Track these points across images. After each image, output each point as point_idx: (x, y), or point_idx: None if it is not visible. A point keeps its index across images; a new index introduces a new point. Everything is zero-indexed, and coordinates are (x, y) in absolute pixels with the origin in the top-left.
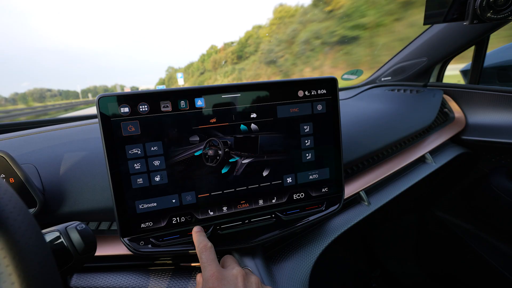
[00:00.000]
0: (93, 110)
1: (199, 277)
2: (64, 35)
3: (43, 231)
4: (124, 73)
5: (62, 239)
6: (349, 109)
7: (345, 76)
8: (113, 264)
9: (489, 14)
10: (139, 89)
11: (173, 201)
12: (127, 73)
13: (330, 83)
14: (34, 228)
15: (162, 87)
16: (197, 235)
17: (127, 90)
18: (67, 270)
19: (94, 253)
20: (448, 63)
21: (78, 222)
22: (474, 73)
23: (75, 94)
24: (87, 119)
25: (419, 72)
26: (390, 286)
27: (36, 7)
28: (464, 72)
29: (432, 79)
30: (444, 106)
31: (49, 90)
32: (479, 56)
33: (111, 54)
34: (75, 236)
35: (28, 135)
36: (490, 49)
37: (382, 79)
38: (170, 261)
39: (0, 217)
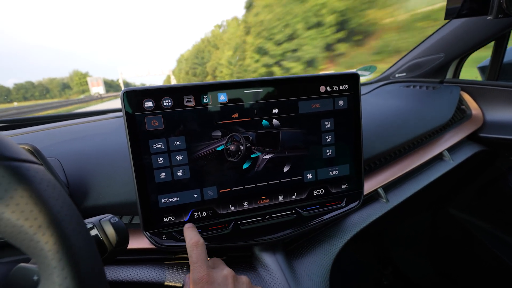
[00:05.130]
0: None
1: (187, 278)
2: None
3: None
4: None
5: (97, 232)
6: (364, 105)
7: (358, 73)
8: (135, 258)
9: None
10: (121, 80)
11: (195, 195)
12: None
13: (352, 79)
14: (81, 225)
15: None
16: (189, 230)
17: (95, 81)
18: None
19: (127, 246)
20: (465, 59)
21: (111, 215)
22: (493, 69)
23: (4, 91)
24: (108, 113)
25: (436, 68)
26: (402, 284)
27: None
28: (481, 68)
29: (449, 75)
30: (461, 103)
31: None
32: (499, 51)
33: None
34: (109, 229)
35: (50, 129)
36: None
37: (397, 75)
38: None
39: (52, 215)
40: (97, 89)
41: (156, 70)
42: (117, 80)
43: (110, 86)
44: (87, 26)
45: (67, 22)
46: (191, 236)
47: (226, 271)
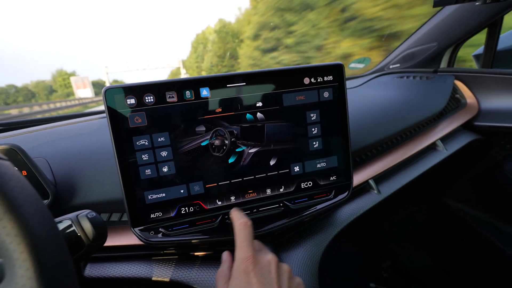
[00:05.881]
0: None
1: (226, 255)
2: None
3: (56, 219)
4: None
5: (74, 227)
6: (357, 97)
7: (352, 65)
8: (125, 254)
9: None
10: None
11: (181, 191)
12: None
13: (336, 69)
14: (46, 217)
15: None
16: (237, 212)
17: (81, 82)
18: (79, 258)
19: (105, 241)
20: (459, 47)
21: (88, 211)
22: (487, 57)
23: None
24: (94, 115)
25: (429, 58)
26: (401, 277)
27: None
28: (476, 57)
29: (443, 65)
30: (456, 91)
31: None
32: (492, 38)
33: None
34: (86, 224)
35: (37, 130)
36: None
37: (391, 66)
38: (179, 251)
39: (14, 206)
40: (83, 92)
41: (159, 63)
42: (110, 79)
43: (102, 88)
44: (74, 18)
45: (53, 18)
46: (239, 216)
47: (270, 256)
